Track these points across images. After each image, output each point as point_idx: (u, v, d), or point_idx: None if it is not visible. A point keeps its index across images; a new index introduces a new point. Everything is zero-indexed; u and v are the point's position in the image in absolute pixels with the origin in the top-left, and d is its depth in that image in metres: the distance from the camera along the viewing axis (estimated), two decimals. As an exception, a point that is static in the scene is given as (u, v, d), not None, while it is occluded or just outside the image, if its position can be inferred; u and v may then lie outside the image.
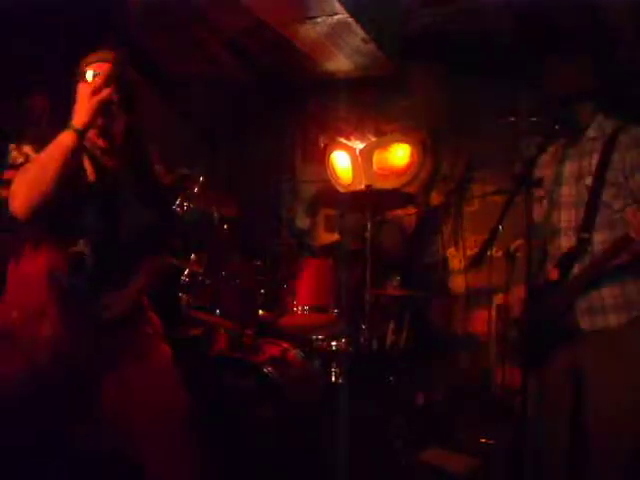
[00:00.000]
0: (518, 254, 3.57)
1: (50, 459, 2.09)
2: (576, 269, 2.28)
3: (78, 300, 2.06)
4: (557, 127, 2.34)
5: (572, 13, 3.53)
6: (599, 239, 2.25)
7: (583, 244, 2.27)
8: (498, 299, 4.18)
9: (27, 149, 2.02)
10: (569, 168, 2.38)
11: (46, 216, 1.99)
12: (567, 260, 2.31)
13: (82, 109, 1.95)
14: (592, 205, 2.27)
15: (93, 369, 2.11)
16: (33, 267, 2.06)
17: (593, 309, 2.26)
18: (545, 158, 2.48)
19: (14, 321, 2.05)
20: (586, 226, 2.27)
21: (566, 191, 2.37)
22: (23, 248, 2.08)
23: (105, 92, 1.95)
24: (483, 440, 3.59)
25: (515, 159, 4.34)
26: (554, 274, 2.35)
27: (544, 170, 2.47)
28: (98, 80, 1.97)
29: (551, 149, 2.47)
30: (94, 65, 2.10)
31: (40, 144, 1.99)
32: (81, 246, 2.04)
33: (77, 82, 2.07)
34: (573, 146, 2.39)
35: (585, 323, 2.27)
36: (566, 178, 2.38)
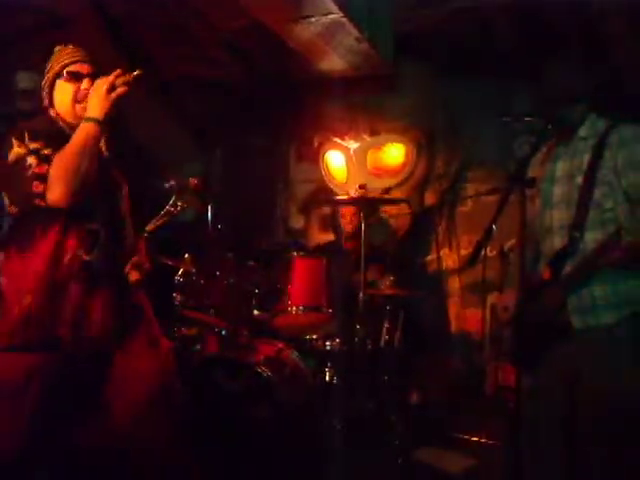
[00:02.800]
0: (512, 254, 3.59)
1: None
2: (568, 268, 2.29)
3: (98, 272, 2.16)
4: (550, 127, 2.35)
5: (568, 14, 3.54)
6: (590, 238, 2.25)
7: (575, 243, 2.27)
8: (492, 298, 4.19)
9: (34, 145, 2.11)
10: (561, 167, 2.39)
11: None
12: (559, 259, 2.31)
13: (98, 103, 2.12)
14: (583, 204, 2.27)
15: (111, 346, 2.20)
16: (44, 250, 2.12)
17: (584, 307, 2.26)
18: (538, 157, 2.48)
19: (29, 306, 2.09)
20: (577, 225, 2.27)
21: (558, 190, 2.37)
22: (22, 236, 2.15)
23: (121, 90, 2.13)
24: (478, 439, 3.60)
25: (509, 159, 4.35)
26: (547, 273, 2.35)
27: (537, 169, 2.48)
28: (113, 78, 2.13)
29: (544, 148, 2.48)
30: (76, 66, 2.25)
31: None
32: (95, 224, 2.18)
33: (52, 78, 2.25)
34: (565, 145, 2.40)
35: (577, 321, 2.28)
36: (558, 177, 2.39)
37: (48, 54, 2.32)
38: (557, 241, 2.34)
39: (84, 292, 2.13)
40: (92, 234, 2.17)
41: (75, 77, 2.23)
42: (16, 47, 3.41)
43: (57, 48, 2.30)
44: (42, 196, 2.06)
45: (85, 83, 2.23)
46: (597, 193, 2.25)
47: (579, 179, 2.29)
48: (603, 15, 3.54)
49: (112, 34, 3.64)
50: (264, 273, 3.56)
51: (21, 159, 2.08)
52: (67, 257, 2.12)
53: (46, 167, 2.06)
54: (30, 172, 2.06)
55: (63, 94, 2.25)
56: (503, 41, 4.07)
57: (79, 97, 2.22)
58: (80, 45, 2.32)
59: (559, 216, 2.35)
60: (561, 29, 3.70)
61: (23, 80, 3.19)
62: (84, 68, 2.25)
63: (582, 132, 2.35)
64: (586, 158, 2.29)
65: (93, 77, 2.22)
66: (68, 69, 2.24)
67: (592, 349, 2.25)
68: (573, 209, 2.29)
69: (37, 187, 2.06)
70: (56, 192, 2.05)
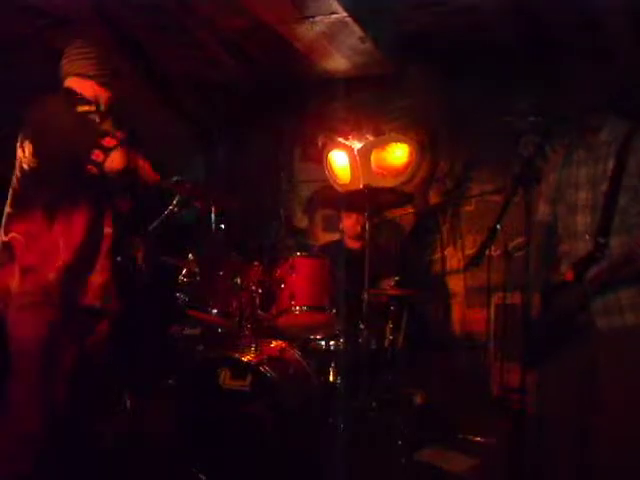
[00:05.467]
0: (517, 254, 3.58)
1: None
2: (592, 271, 2.29)
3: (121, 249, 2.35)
4: (570, 130, 2.38)
5: (569, 13, 3.53)
6: (616, 243, 2.27)
7: (600, 248, 2.28)
8: (496, 298, 4.18)
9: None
10: (584, 173, 2.38)
11: None
12: (583, 263, 2.32)
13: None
14: (608, 210, 2.28)
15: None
16: (66, 229, 2.22)
17: (609, 309, 2.28)
18: (555, 160, 2.49)
19: (51, 283, 2.19)
20: (603, 230, 2.28)
21: (582, 195, 2.37)
22: (32, 217, 2.22)
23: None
24: (482, 439, 3.59)
25: (513, 158, 4.34)
26: (570, 275, 2.36)
27: (554, 172, 2.48)
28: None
29: (560, 151, 2.48)
30: (74, 79, 2.37)
31: None
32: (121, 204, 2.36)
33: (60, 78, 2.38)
34: (587, 150, 2.39)
35: (602, 322, 2.29)
36: (582, 183, 2.38)
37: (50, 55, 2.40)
38: (581, 245, 2.35)
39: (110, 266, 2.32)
40: (116, 213, 2.32)
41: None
42: (16, 48, 3.42)
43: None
44: (98, 165, 2.14)
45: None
46: (622, 199, 2.27)
47: (604, 185, 2.30)
48: (605, 13, 3.52)
49: (113, 35, 3.64)
50: (268, 273, 3.56)
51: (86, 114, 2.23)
52: (103, 232, 2.29)
53: (114, 142, 2.17)
54: (96, 128, 2.20)
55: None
56: (505, 40, 4.05)
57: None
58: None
59: (583, 221, 2.35)
60: (562, 29, 3.69)
61: None
62: (82, 84, 2.37)
63: (604, 136, 2.35)
64: (610, 163, 2.30)
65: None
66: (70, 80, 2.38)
67: (617, 349, 2.26)
68: (598, 214, 2.30)
69: (97, 156, 2.14)
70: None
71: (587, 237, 2.32)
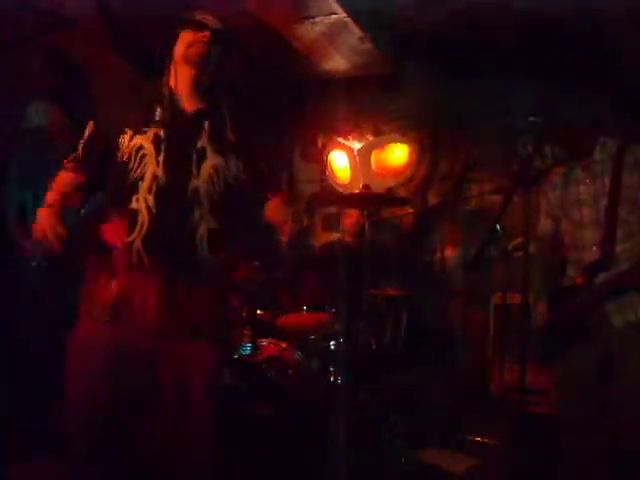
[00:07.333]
0: (517, 254, 3.60)
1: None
2: (601, 277, 2.43)
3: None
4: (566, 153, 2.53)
5: (569, 13, 3.53)
6: (621, 249, 2.41)
7: (607, 256, 2.43)
8: (496, 298, 4.18)
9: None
10: (584, 190, 2.52)
11: None
12: (592, 269, 2.47)
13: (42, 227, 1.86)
14: (611, 222, 2.43)
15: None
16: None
17: (623, 308, 2.40)
18: (554, 179, 2.64)
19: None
20: (608, 241, 2.43)
21: (586, 212, 2.51)
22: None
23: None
24: (482, 439, 3.59)
25: (513, 158, 4.34)
26: (580, 280, 2.51)
27: (555, 191, 2.63)
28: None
29: (558, 171, 2.63)
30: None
31: None
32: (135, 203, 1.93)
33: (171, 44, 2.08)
34: (584, 169, 2.52)
35: (617, 320, 2.40)
36: (584, 200, 2.53)
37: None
38: (588, 254, 2.50)
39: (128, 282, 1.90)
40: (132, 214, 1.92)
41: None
42: (17, 49, 3.41)
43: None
44: None
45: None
46: (622, 211, 2.43)
47: (604, 201, 2.45)
48: (605, 16, 3.53)
49: (113, 35, 3.64)
50: (268, 273, 3.56)
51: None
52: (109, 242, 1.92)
53: None
54: None
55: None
56: (505, 40, 4.06)
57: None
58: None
59: (590, 235, 2.50)
60: (562, 29, 3.70)
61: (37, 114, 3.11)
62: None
63: (597, 156, 2.50)
64: (607, 180, 2.46)
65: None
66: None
67: (633, 342, 2.37)
68: (602, 227, 2.46)
69: None
70: None
71: (594, 248, 2.47)
